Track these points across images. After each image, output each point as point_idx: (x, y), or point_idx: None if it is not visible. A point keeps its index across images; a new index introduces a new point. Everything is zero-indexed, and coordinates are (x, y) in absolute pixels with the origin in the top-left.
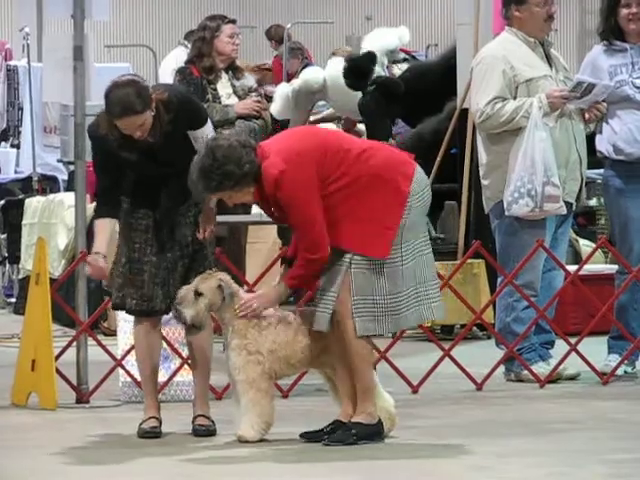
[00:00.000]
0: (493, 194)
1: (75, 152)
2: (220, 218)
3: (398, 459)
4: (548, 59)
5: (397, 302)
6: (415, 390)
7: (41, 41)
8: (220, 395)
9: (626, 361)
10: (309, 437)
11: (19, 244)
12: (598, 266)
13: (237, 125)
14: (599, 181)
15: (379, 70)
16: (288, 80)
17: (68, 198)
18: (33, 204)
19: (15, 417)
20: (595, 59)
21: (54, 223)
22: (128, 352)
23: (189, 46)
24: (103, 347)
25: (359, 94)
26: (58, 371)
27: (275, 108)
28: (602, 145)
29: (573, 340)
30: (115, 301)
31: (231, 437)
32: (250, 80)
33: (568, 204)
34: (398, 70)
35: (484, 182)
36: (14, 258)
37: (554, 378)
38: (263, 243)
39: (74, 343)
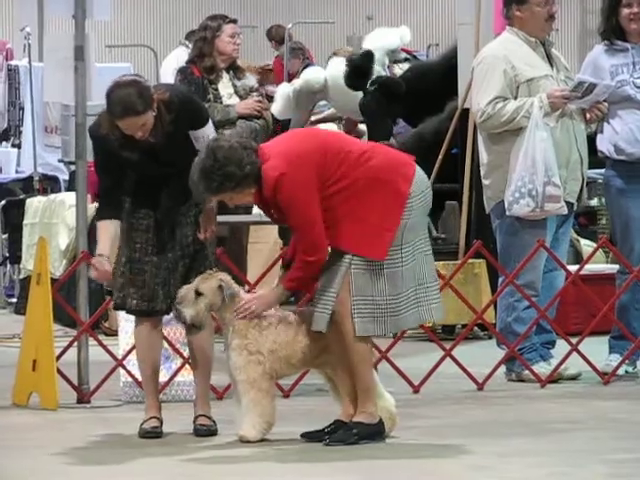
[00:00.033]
0: (494, 194)
1: (76, 152)
2: (221, 218)
3: (399, 459)
4: (549, 59)
5: (397, 303)
6: (416, 390)
7: (42, 41)
8: (221, 395)
9: (627, 361)
10: (310, 437)
11: (20, 244)
12: (599, 266)
13: (238, 125)
14: (600, 181)
15: (380, 70)
16: (289, 80)
17: (69, 198)
18: (34, 204)
19: (16, 417)
20: (596, 59)
21: (55, 223)
22: (129, 352)
23: (190, 46)
24: (104, 347)
25: (360, 94)
26: (59, 371)
27: (276, 108)
28: (603, 145)
29: (574, 340)
30: (116, 301)
31: (232, 437)
32: (251, 80)
33: (569, 204)
34: (399, 70)
35: (485, 182)
36: (15, 258)
37: (555, 378)
38: (264, 243)
39: (75, 343)
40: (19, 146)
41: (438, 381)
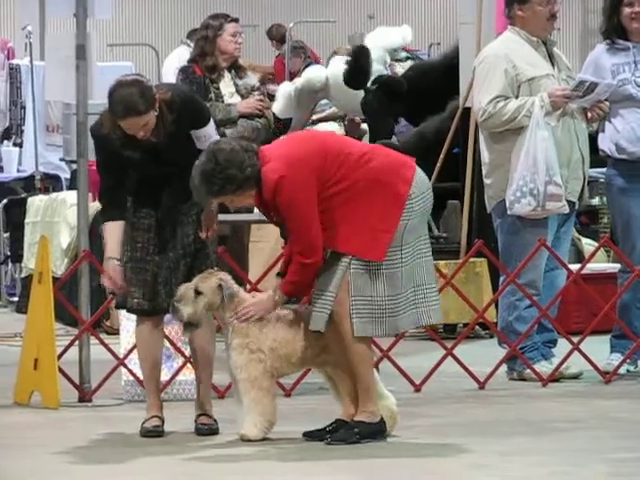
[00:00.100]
0: (495, 193)
1: (77, 151)
2: (222, 217)
3: (400, 458)
4: (551, 58)
5: (395, 304)
6: (418, 389)
7: (44, 40)
8: (222, 394)
9: (628, 360)
10: (312, 436)
11: (22, 243)
12: (601, 265)
13: (239, 124)
14: (601, 180)
15: (382, 69)
16: (291, 79)
17: (70, 197)
18: (36, 203)
19: (17, 416)
20: (598, 58)
21: (57, 222)
22: (131, 351)
23: (192, 45)
24: (106, 346)
25: (362, 93)
26: (61, 370)
27: (277, 107)
28: (604, 144)
29: (576, 339)
30: (118, 300)
31: (234, 436)
32: (253, 79)
33: (570, 203)
34: (401, 69)
35: (486, 181)
36: (17, 257)
37: (556, 377)
38: (266, 242)
39: (77, 342)
40: (21, 145)
41: (439, 380)
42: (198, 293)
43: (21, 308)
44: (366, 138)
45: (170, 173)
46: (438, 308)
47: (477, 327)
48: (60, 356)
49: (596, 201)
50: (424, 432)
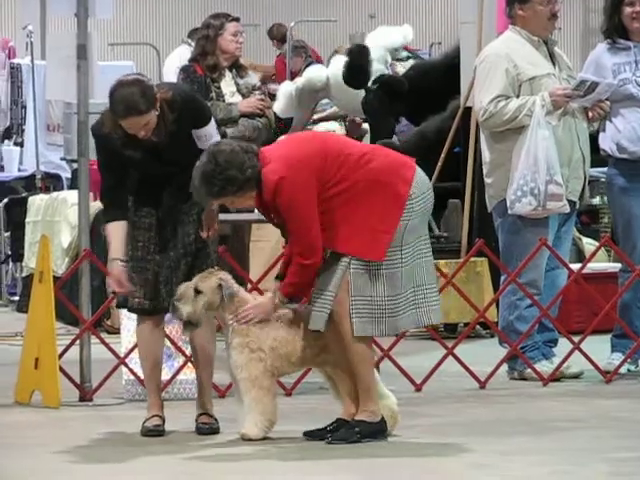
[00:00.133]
0: (496, 192)
1: (78, 150)
2: (223, 216)
3: (401, 457)
4: (552, 57)
5: (395, 304)
6: (418, 388)
7: (45, 39)
8: (223, 393)
9: (629, 359)
10: (312, 435)
11: (22, 242)
12: (601, 264)
13: (240, 123)
14: (602, 179)
15: (383, 68)
16: (291, 78)
17: (71, 196)
18: (36, 202)
19: (18, 415)
20: (599, 57)
21: (57, 221)
22: (131, 350)
23: (193, 44)
24: (106, 345)
25: (362, 92)
26: (61, 369)
27: (278, 106)
28: (605, 143)
29: (576, 338)
30: (119, 299)
31: (234, 435)
32: (254, 78)
33: (571, 202)
34: (402, 68)
35: (487, 180)
36: (17, 256)
37: (557, 376)
38: (266, 241)
39: (77, 341)
40: (21, 144)
41: (440, 379)
42: (198, 292)
43: (22, 307)
44: (367, 138)
45: (171, 172)
46: (438, 308)
47: (478, 326)
48: (61, 355)
49: (597, 201)
50: (425, 431)
